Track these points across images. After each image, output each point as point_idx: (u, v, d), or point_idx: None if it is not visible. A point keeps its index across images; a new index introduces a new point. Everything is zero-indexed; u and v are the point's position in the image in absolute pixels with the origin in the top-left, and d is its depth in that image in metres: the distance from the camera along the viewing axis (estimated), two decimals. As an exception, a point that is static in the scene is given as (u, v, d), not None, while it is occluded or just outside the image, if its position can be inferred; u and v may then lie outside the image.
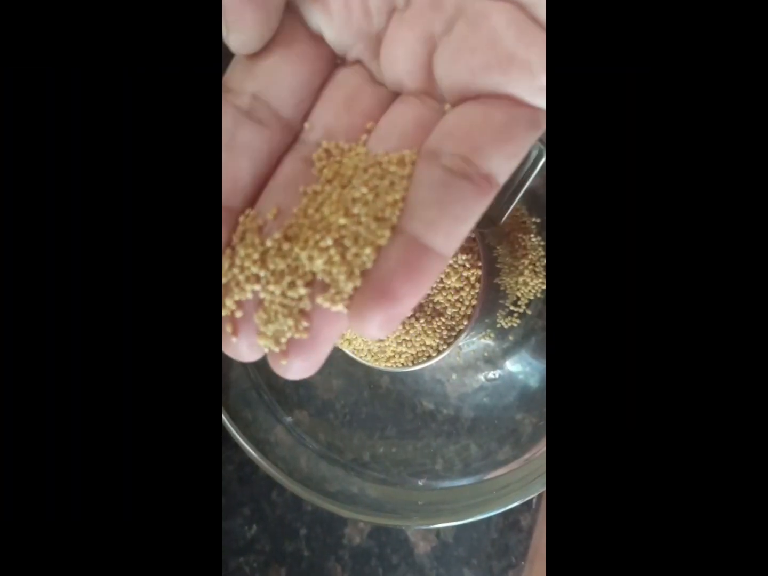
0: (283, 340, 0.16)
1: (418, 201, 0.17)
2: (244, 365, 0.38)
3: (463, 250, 0.25)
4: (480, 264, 0.25)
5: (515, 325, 0.35)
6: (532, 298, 0.35)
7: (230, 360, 0.39)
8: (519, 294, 0.35)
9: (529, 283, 0.34)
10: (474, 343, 0.36)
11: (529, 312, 0.35)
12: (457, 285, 0.25)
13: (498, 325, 0.35)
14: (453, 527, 0.38)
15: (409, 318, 0.26)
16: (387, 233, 0.16)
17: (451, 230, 0.16)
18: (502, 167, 0.17)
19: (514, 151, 0.17)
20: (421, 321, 0.26)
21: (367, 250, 0.16)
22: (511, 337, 0.35)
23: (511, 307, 0.35)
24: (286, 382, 0.38)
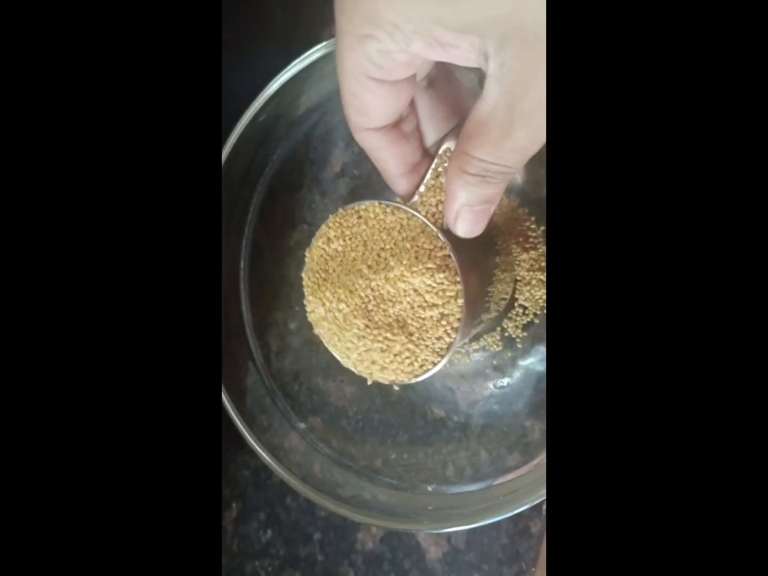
0: None
1: None
2: (259, 373, 0.39)
3: (440, 269, 0.26)
4: (458, 279, 0.25)
5: (523, 334, 0.36)
6: (539, 308, 0.35)
7: (246, 368, 0.39)
8: (527, 304, 0.35)
9: (536, 294, 0.35)
10: (483, 351, 0.37)
11: (536, 321, 0.35)
12: (440, 302, 0.26)
13: (506, 334, 0.36)
14: (464, 533, 0.38)
15: (399, 336, 0.27)
16: None
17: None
18: None
19: None
20: (414, 337, 0.27)
21: None
22: (519, 346, 0.36)
23: (518, 317, 0.36)
24: (300, 389, 0.39)
